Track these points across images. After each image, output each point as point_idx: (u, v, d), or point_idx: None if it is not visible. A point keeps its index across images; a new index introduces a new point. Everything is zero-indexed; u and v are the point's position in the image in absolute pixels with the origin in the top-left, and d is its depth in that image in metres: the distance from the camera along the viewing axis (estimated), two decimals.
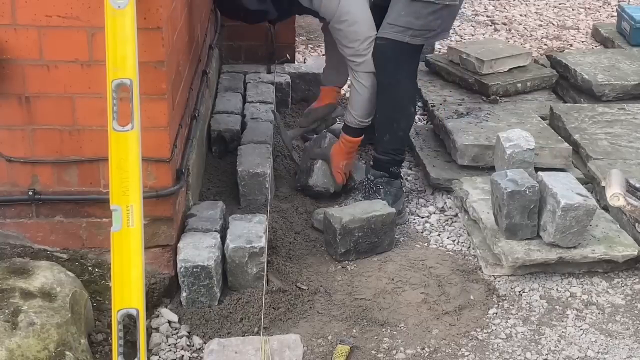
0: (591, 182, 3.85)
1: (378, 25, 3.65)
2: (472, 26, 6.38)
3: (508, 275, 3.34)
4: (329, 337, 2.97)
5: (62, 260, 2.90)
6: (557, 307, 3.19)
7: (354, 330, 3.03)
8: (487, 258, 3.38)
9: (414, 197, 3.98)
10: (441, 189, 3.99)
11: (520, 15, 6.67)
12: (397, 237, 3.60)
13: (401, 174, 3.92)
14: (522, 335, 3.04)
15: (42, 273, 2.66)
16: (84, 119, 2.79)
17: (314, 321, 3.05)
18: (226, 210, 3.34)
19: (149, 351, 2.83)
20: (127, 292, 2.45)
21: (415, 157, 4.27)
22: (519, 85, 4.79)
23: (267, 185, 3.62)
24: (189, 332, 2.93)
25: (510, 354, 2.95)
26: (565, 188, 3.26)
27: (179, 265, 2.95)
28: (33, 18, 2.65)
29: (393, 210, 3.53)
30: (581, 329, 3.07)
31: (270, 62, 4.81)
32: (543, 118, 4.40)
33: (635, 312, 3.17)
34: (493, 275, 3.36)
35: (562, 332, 3.06)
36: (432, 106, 4.54)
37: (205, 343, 2.83)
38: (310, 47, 5.78)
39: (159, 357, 2.83)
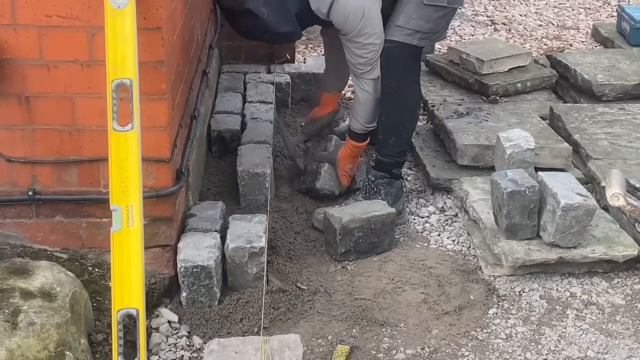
0: (591, 182, 3.85)
1: None
2: (472, 26, 6.38)
3: (508, 275, 3.34)
4: (329, 337, 2.97)
5: (62, 260, 2.90)
6: (557, 307, 3.19)
7: (354, 330, 3.03)
8: (487, 258, 3.38)
9: (414, 197, 3.98)
10: (441, 189, 3.99)
11: (520, 15, 6.67)
12: (397, 237, 3.61)
13: (402, 175, 3.92)
14: (522, 335, 3.04)
15: (42, 273, 2.66)
16: (84, 119, 2.79)
17: (314, 321, 3.05)
18: (226, 210, 3.34)
19: (149, 351, 2.83)
20: (127, 292, 2.45)
21: (415, 157, 4.27)
22: (519, 85, 4.79)
23: (267, 185, 3.62)
24: (189, 332, 2.93)
25: (510, 354, 2.95)
26: (565, 188, 3.26)
27: (179, 265, 2.95)
28: (33, 18, 2.65)
29: (393, 210, 3.53)
30: (581, 329, 3.07)
31: (270, 62, 4.80)
32: (543, 118, 4.40)
33: (635, 312, 3.17)
34: (493, 275, 3.36)
35: (562, 332, 3.06)
36: (432, 106, 4.54)
37: (205, 343, 2.83)
38: (310, 47, 5.78)
39: (159, 357, 2.83)
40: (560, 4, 6.97)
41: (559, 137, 4.10)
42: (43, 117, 2.78)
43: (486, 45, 5.10)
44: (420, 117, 4.71)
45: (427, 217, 3.84)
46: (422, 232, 3.72)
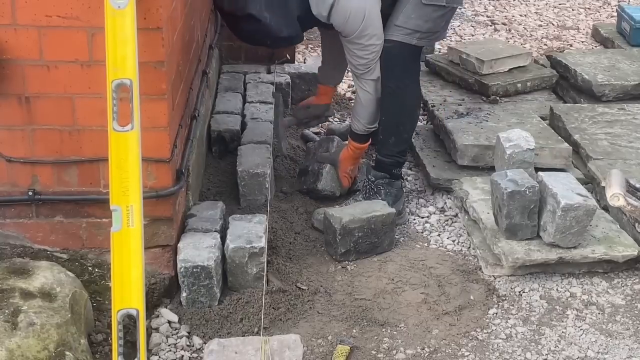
0: (591, 182, 3.85)
1: None
2: (472, 26, 6.38)
3: (508, 276, 3.34)
4: (329, 337, 2.97)
5: (62, 260, 2.90)
6: (557, 307, 3.19)
7: (354, 330, 3.02)
8: (487, 258, 3.38)
9: (414, 197, 3.98)
10: (441, 189, 3.99)
11: (520, 15, 6.68)
12: (397, 237, 3.61)
13: (402, 175, 3.92)
14: (522, 336, 3.04)
15: (42, 273, 2.66)
16: (84, 119, 2.79)
17: (314, 321, 3.05)
18: (226, 210, 3.34)
19: (149, 351, 2.83)
20: (127, 292, 2.45)
21: (415, 157, 4.27)
22: (519, 85, 4.79)
23: (267, 185, 3.62)
24: (189, 332, 2.93)
25: (510, 354, 2.95)
26: (565, 188, 3.26)
27: (179, 266, 2.95)
28: (33, 18, 2.65)
29: (393, 210, 3.53)
30: (581, 329, 3.07)
31: (270, 62, 4.80)
32: (543, 118, 4.40)
33: (635, 312, 3.17)
34: (493, 276, 3.36)
35: (562, 332, 3.06)
36: (432, 106, 4.54)
37: (205, 343, 2.83)
38: (310, 47, 5.79)
39: (159, 357, 2.83)
40: (560, 4, 6.97)
41: (559, 137, 4.10)
42: (43, 117, 2.77)
43: (486, 45, 5.10)
44: (420, 117, 4.71)
45: (427, 217, 3.84)
46: (422, 232, 3.72)
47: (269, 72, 4.76)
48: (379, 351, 2.93)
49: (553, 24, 6.50)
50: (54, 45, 2.69)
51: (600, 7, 6.96)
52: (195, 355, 2.86)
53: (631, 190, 3.20)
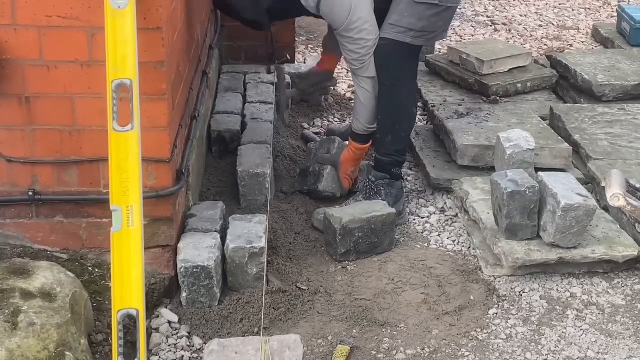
0: (591, 182, 3.85)
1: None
2: (472, 26, 6.38)
3: (508, 276, 3.34)
4: (329, 337, 2.97)
5: (62, 260, 2.90)
6: (557, 307, 3.19)
7: (354, 330, 3.02)
8: (487, 258, 3.38)
9: (414, 197, 3.98)
10: (441, 189, 3.99)
11: (520, 15, 6.67)
12: (397, 237, 3.61)
13: (402, 175, 3.92)
14: (522, 336, 3.04)
15: (42, 273, 2.66)
16: (84, 119, 2.79)
17: (314, 321, 3.05)
18: (226, 210, 3.34)
19: (149, 351, 2.83)
20: (127, 292, 2.45)
21: (415, 157, 4.27)
22: (518, 85, 4.79)
23: (267, 185, 3.62)
24: (188, 332, 2.93)
25: (510, 354, 2.95)
26: (565, 188, 3.26)
27: (178, 266, 2.95)
28: (33, 18, 2.65)
29: (393, 210, 3.53)
30: (581, 329, 3.07)
31: (270, 62, 4.81)
32: (543, 118, 4.40)
33: (635, 312, 3.17)
34: (493, 275, 3.36)
35: (562, 332, 3.06)
36: (432, 106, 4.54)
37: (205, 343, 2.83)
38: (310, 47, 5.78)
39: (159, 357, 2.83)
40: (560, 4, 6.97)
41: (559, 137, 4.10)
42: (43, 117, 2.77)
43: (486, 45, 5.10)
44: (420, 117, 4.72)
45: (427, 217, 3.84)
46: (422, 232, 3.72)
47: (269, 72, 4.76)
48: (379, 351, 2.93)
49: (553, 24, 6.50)
50: (54, 45, 2.69)
51: (600, 7, 6.96)
52: (195, 355, 2.86)
53: (631, 190, 3.20)
